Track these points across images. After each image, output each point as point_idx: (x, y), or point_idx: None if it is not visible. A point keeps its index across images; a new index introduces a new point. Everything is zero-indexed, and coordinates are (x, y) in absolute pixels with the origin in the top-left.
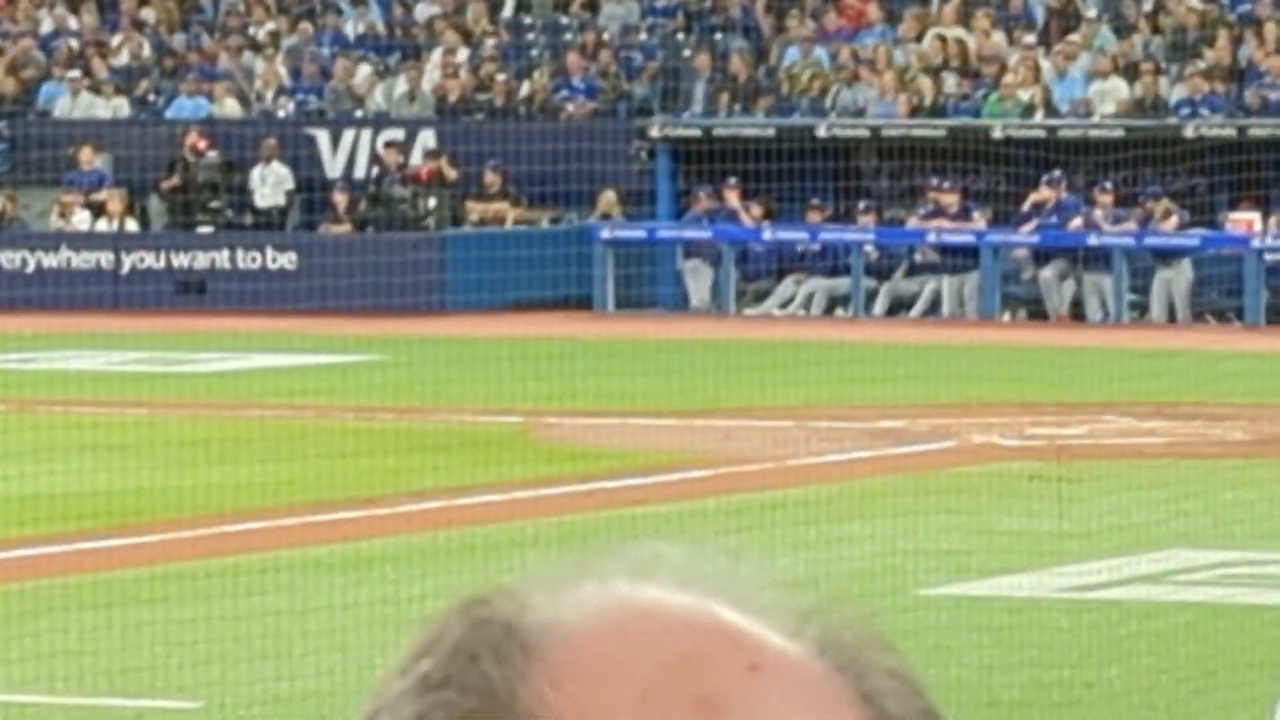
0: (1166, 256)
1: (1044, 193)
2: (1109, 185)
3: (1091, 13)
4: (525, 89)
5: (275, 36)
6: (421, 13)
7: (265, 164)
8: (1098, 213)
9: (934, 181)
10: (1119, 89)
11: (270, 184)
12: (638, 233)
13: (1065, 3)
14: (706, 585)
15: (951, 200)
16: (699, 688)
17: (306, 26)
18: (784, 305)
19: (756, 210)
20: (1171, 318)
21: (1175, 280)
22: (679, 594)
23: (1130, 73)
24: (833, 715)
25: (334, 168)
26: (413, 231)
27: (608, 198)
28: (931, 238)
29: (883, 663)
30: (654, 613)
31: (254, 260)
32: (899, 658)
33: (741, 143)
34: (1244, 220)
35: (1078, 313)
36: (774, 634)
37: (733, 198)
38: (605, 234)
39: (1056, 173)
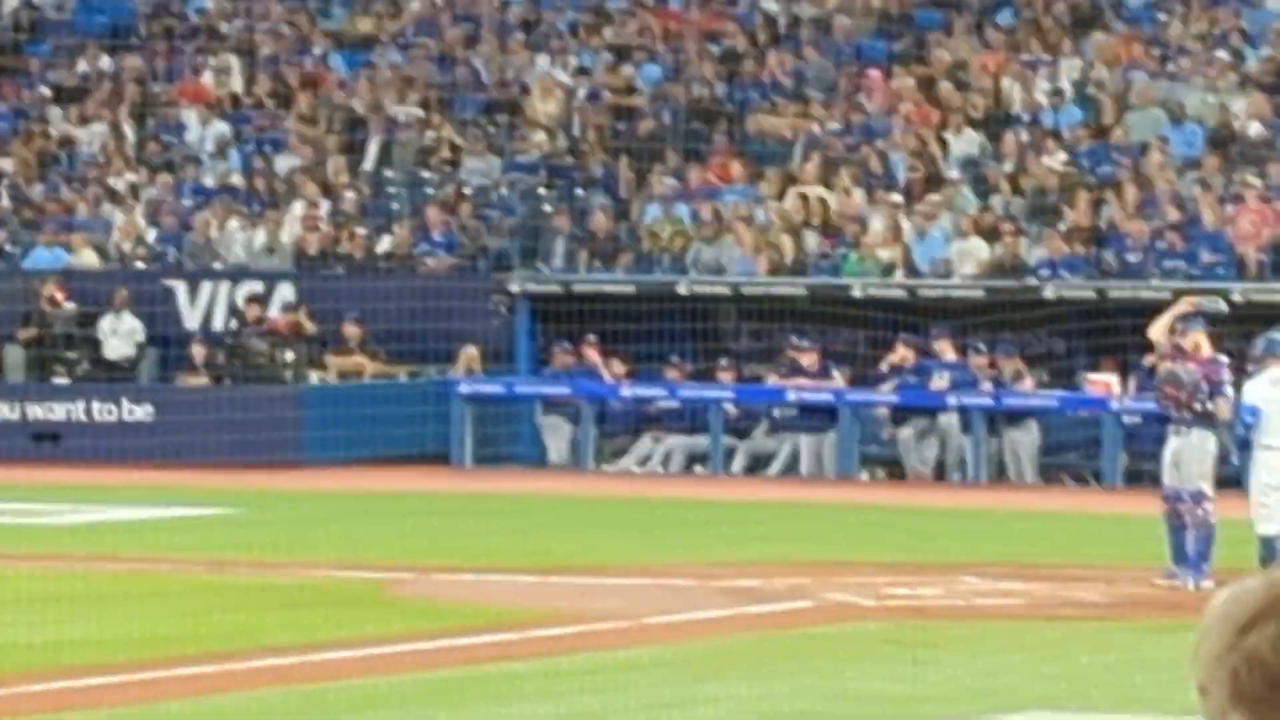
0: (1016, 418)
1: (901, 352)
2: (981, 347)
3: (953, 173)
4: (385, 243)
5: (134, 188)
6: (282, 165)
7: (115, 315)
8: (974, 373)
9: (794, 340)
10: (979, 249)
11: (120, 335)
12: (496, 388)
13: (926, 163)
14: None
15: (811, 359)
16: None
17: (166, 178)
18: (642, 462)
19: (616, 367)
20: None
21: (1022, 441)
22: None
23: (991, 234)
24: None
25: (192, 319)
26: (270, 384)
27: (469, 353)
28: (791, 396)
29: None
30: None
31: (110, 412)
32: None
33: (602, 299)
34: (1102, 382)
35: (939, 473)
36: None
37: (592, 354)
38: (464, 389)
39: (908, 334)
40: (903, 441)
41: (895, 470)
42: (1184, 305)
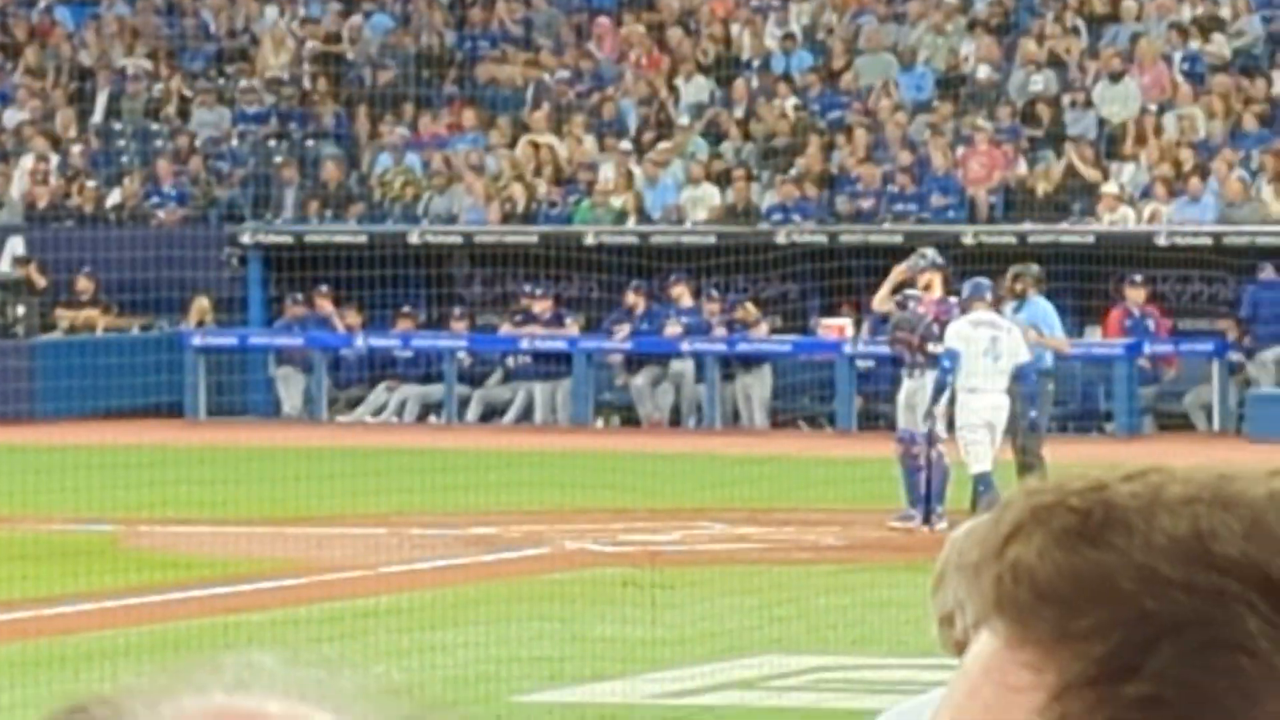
0: (750, 363)
1: (631, 299)
2: (714, 292)
3: (684, 120)
4: (115, 196)
5: None
6: (10, 119)
7: None
8: (707, 318)
9: (527, 288)
10: (711, 196)
11: None
12: (229, 340)
13: (658, 110)
14: (305, 694)
15: (544, 307)
16: None
17: None
18: (377, 412)
19: (350, 317)
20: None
21: (754, 385)
22: (277, 703)
23: (722, 180)
24: None
25: None
26: (0, 339)
27: (200, 304)
28: (525, 344)
29: None
30: None
31: None
32: None
33: (333, 249)
34: (835, 326)
35: (673, 419)
36: None
37: (325, 304)
38: (196, 341)
39: (640, 280)
40: (637, 388)
41: (630, 417)
42: (896, 275)
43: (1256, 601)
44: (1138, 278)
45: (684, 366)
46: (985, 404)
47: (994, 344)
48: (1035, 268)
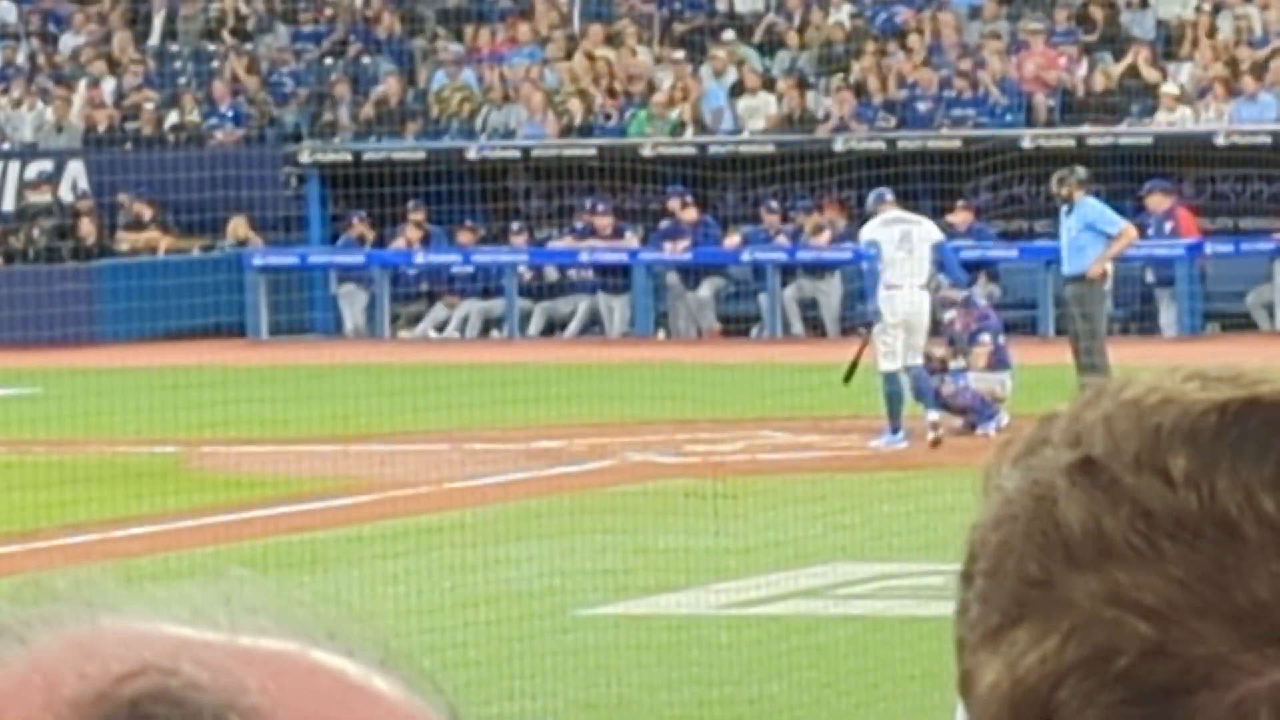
0: (817, 271)
1: (689, 214)
2: (773, 204)
3: (737, 30)
4: (173, 117)
5: None
6: (67, 43)
7: None
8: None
9: (587, 203)
10: (767, 104)
11: None
12: (290, 259)
13: (711, 19)
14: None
15: (605, 221)
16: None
17: None
18: (439, 328)
19: (410, 233)
20: (822, 332)
21: (825, 294)
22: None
23: (778, 88)
24: None
25: None
26: (62, 262)
27: (237, 224)
28: (584, 257)
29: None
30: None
31: None
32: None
33: (393, 166)
34: None
35: (735, 329)
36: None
37: (415, 219)
38: (257, 261)
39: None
40: (698, 300)
41: (696, 327)
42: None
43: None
44: (1164, 184)
45: (745, 276)
46: (903, 300)
47: (905, 238)
48: (1080, 169)
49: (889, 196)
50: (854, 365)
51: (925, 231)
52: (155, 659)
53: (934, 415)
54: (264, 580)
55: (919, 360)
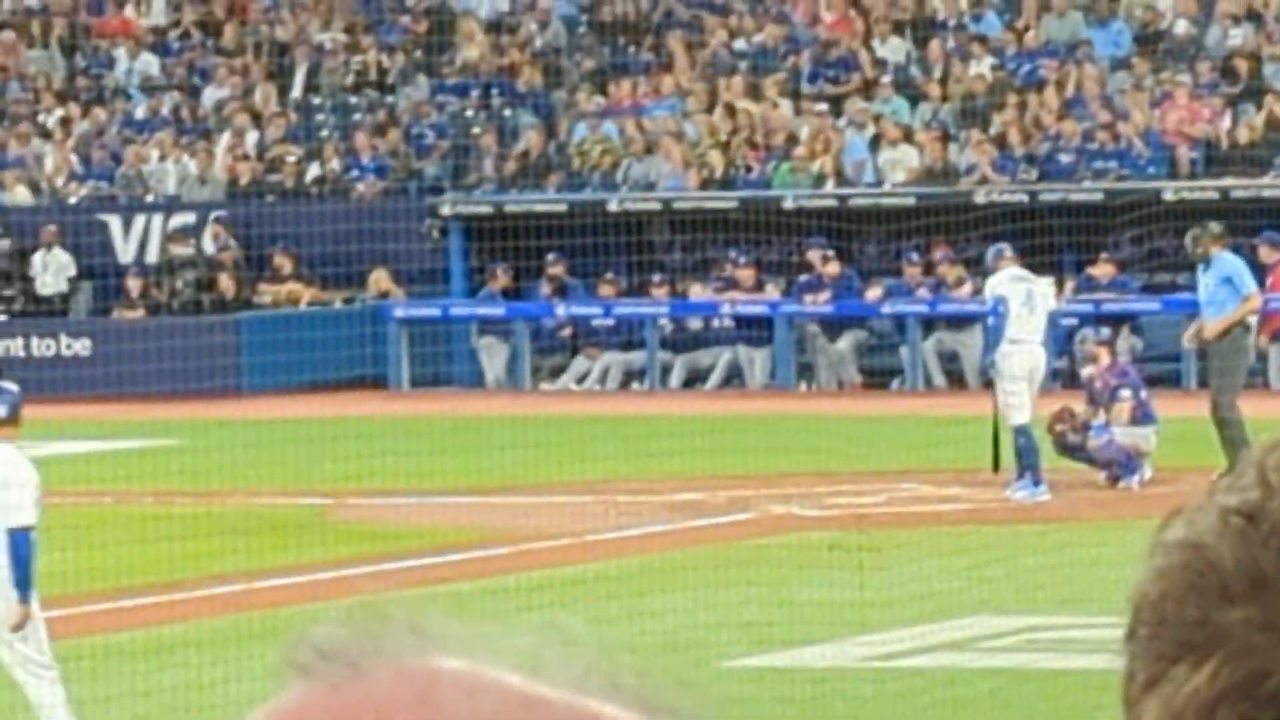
0: (958, 324)
1: (831, 267)
2: (914, 256)
3: (881, 81)
4: (315, 170)
5: (65, 122)
6: (210, 96)
7: (46, 250)
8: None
9: (730, 254)
10: (909, 157)
11: (51, 271)
12: (431, 311)
13: (854, 73)
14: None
15: (746, 274)
16: None
17: (97, 112)
18: (580, 380)
19: (550, 286)
20: (963, 385)
21: (966, 347)
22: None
23: (920, 141)
24: None
25: (126, 253)
26: (205, 314)
27: (379, 276)
28: (726, 309)
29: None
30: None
31: (48, 347)
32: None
33: (534, 219)
34: None
35: (875, 382)
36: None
37: (553, 273)
38: (399, 313)
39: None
40: (839, 352)
41: (834, 380)
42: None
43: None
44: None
45: (884, 329)
46: (1024, 355)
47: (1029, 296)
48: (1215, 225)
49: (1009, 253)
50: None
51: (1044, 290)
52: (494, 715)
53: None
54: (591, 634)
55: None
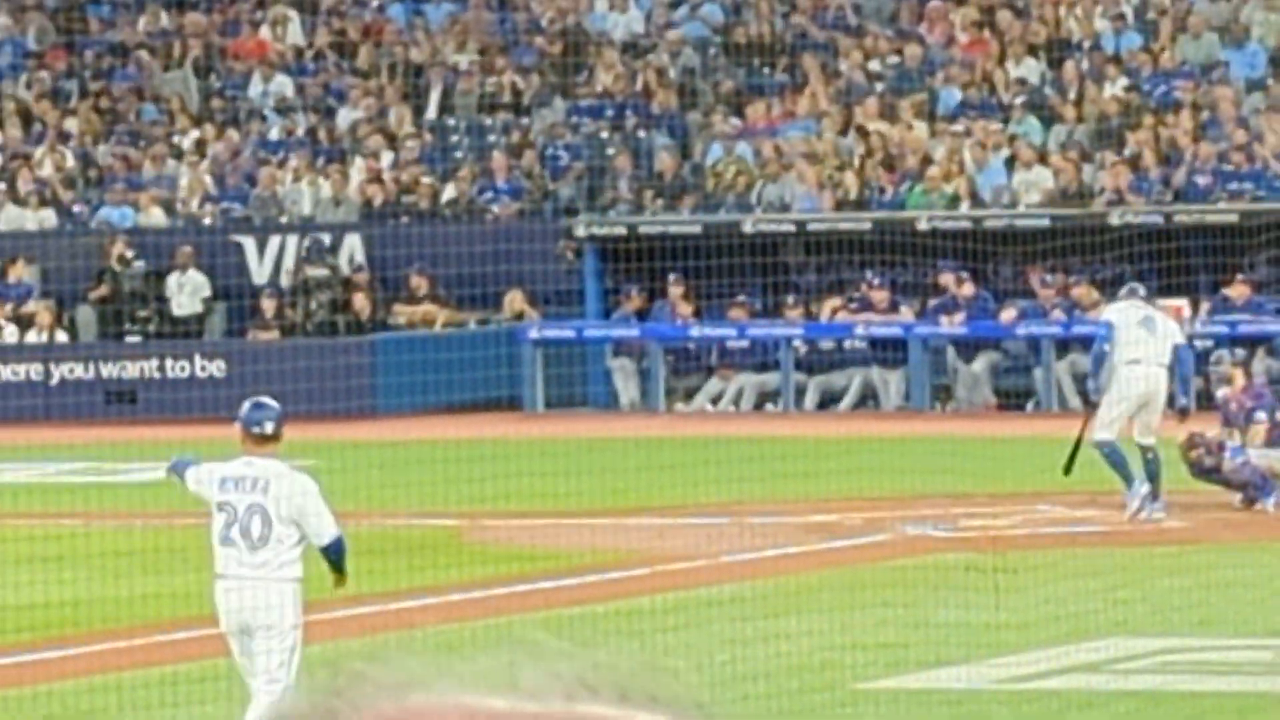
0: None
1: (965, 289)
2: (1049, 279)
3: (1015, 102)
4: (450, 191)
5: (200, 144)
6: (345, 118)
7: (181, 272)
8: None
9: (867, 275)
10: (1044, 178)
11: (187, 292)
12: (566, 332)
13: (988, 93)
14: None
15: (881, 296)
16: None
17: (231, 134)
18: (714, 401)
19: (684, 307)
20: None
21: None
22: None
23: (1054, 162)
24: None
25: (260, 274)
26: (340, 336)
27: (514, 297)
28: (860, 331)
29: None
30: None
31: (183, 369)
32: None
33: (668, 240)
34: (1173, 307)
35: (1010, 404)
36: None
37: (675, 294)
38: (533, 334)
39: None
40: (971, 374)
41: (968, 402)
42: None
43: None
44: None
45: (1019, 350)
46: (1142, 375)
47: (1147, 320)
48: None
49: (1142, 292)
50: (1074, 454)
51: (1170, 328)
52: None
53: (1136, 503)
54: (559, 643)
55: (1152, 439)
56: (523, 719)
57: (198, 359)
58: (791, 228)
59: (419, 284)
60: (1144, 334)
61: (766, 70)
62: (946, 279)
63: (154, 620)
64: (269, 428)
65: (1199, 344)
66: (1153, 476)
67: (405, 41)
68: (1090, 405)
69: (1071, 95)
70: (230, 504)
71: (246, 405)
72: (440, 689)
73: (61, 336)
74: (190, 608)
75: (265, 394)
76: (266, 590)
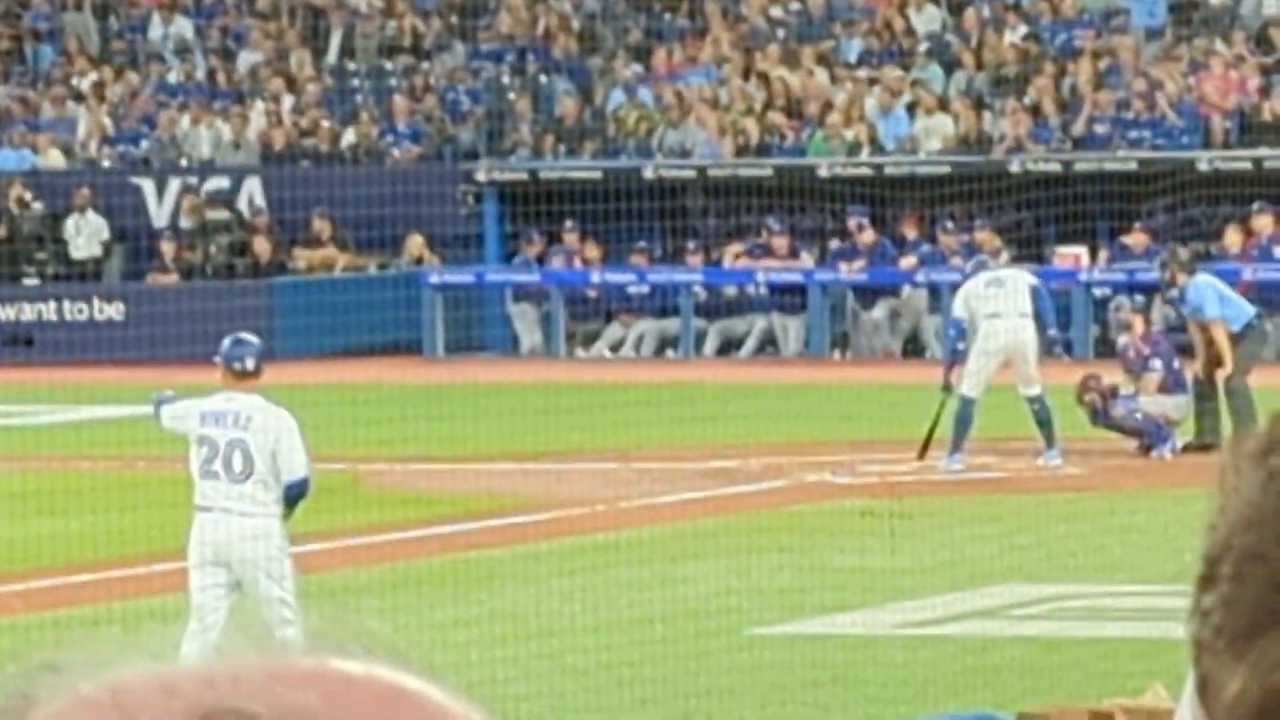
0: None
1: (866, 235)
2: (949, 224)
3: (916, 50)
4: (350, 135)
5: (99, 86)
6: (245, 60)
7: (80, 214)
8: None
9: (768, 222)
10: (944, 125)
11: (85, 235)
12: (466, 277)
13: (889, 41)
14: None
15: (782, 242)
16: None
17: (131, 76)
18: (614, 347)
19: (587, 252)
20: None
21: None
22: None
23: (954, 109)
24: None
25: (159, 217)
26: (239, 279)
27: (414, 241)
28: (760, 277)
29: None
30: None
31: (80, 312)
32: None
33: (569, 185)
34: (1071, 254)
35: (909, 350)
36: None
37: (571, 240)
38: (434, 278)
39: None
40: (872, 321)
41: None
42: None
43: None
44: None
45: (918, 297)
46: (1005, 328)
47: (995, 281)
48: (1182, 252)
49: (990, 265)
50: (929, 438)
51: (1021, 277)
52: (196, 700)
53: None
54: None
55: (1036, 389)
56: (222, 681)
57: (96, 302)
58: (693, 173)
59: (320, 227)
60: (995, 290)
61: (668, 16)
62: (851, 224)
63: (48, 563)
64: (249, 363)
65: (1098, 291)
66: (1043, 423)
67: None
68: (946, 390)
69: (973, 42)
70: (211, 438)
71: (227, 341)
72: (135, 664)
73: None
74: (86, 550)
75: (164, 337)
76: (253, 524)
